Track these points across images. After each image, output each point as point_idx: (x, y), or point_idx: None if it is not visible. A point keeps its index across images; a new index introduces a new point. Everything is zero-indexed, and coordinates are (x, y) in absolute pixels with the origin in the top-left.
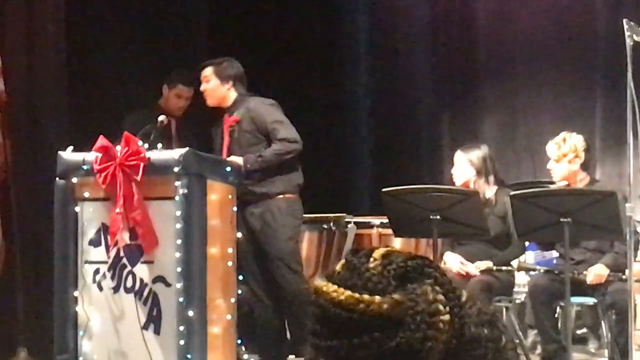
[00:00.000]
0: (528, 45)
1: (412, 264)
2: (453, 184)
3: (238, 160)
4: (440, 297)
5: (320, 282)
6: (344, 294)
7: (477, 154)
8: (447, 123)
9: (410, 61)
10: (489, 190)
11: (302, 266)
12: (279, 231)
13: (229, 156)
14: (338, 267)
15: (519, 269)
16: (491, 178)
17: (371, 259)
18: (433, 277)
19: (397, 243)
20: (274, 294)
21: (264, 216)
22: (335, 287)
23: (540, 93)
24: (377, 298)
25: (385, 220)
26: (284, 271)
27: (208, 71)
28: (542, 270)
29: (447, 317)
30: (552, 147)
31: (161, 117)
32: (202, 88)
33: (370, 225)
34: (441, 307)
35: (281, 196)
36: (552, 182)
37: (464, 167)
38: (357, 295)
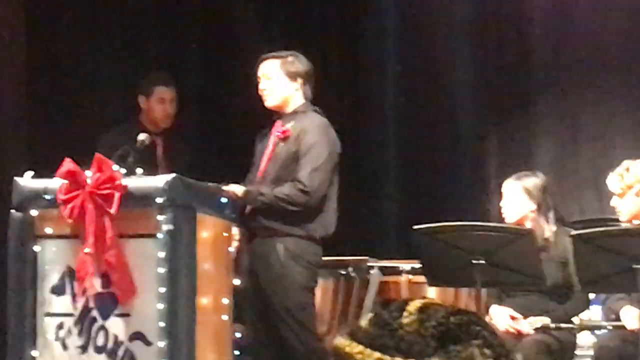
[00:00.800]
0: (594, 49)
1: (456, 320)
2: (502, 220)
3: (237, 189)
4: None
5: (341, 341)
6: (371, 356)
7: (536, 182)
8: (494, 146)
9: (448, 70)
10: (547, 230)
11: (315, 323)
12: (290, 277)
13: (266, 169)
14: (363, 322)
15: (582, 327)
16: (551, 214)
17: (405, 313)
18: (481, 336)
19: (432, 294)
20: (281, 355)
21: (270, 257)
22: (362, 347)
23: (608, 110)
24: None
25: (417, 265)
26: (293, 328)
27: (271, 65)
28: (610, 328)
29: None
30: (614, 180)
31: (142, 136)
32: (261, 87)
33: (398, 271)
34: None
35: (298, 237)
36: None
37: (520, 200)
38: (388, 358)
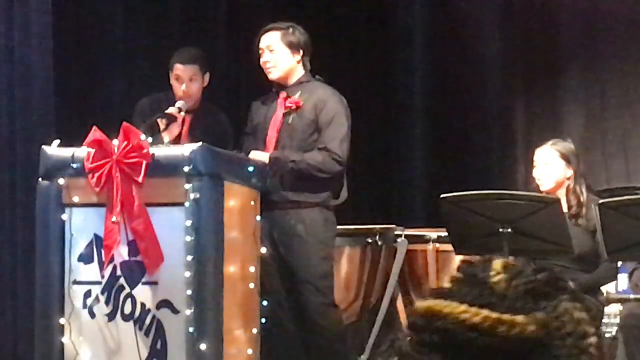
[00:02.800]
0: (624, 18)
1: (543, 277)
2: (537, 189)
3: (263, 157)
4: (585, 315)
5: (437, 303)
6: (479, 314)
7: (572, 149)
8: (521, 115)
9: (476, 38)
10: (582, 198)
11: (333, 292)
12: (313, 248)
13: (277, 142)
14: (448, 282)
15: (609, 301)
16: (583, 182)
17: (492, 272)
18: (570, 291)
19: (458, 262)
20: (301, 324)
21: (295, 229)
22: (465, 306)
23: (637, 78)
24: (520, 318)
25: (444, 234)
26: (314, 298)
27: (273, 38)
28: (632, 299)
29: (595, 339)
30: None
31: (179, 103)
32: (264, 59)
33: (425, 240)
34: (588, 328)
35: (318, 208)
36: None
37: (557, 166)
38: (495, 315)
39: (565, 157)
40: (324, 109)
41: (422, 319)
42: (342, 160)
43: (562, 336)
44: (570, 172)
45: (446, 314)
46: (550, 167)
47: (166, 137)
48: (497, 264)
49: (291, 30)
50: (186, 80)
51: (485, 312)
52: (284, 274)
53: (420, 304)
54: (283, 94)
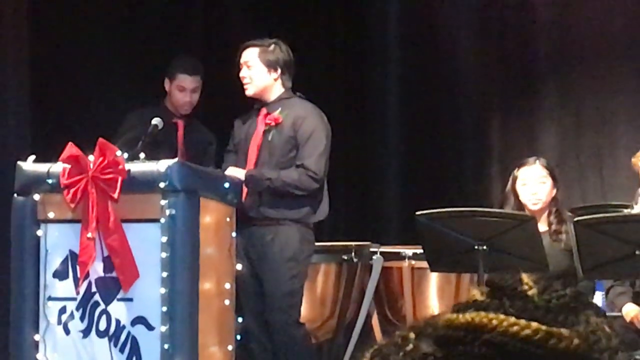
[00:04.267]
0: (599, 36)
1: (570, 292)
2: (522, 208)
3: (239, 174)
4: (610, 330)
5: (481, 315)
6: (530, 327)
7: (552, 165)
8: (496, 133)
9: (451, 56)
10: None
11: (300, 312)
12: (283, 266)
13: (257, 159)
14: (477, 294)
15: None
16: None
17: (524, 285)
18: (593, 306)
19: (433, 279)
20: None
21: (269, 245)
22: (513, 319)
23: (612, 95)
24: (565, 331)
25: (419, 251)
26: (278, 315)
27: (251, 54)
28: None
29: (622, 354)
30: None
31: (155, 121)
32: (242, 74)
33: (400, 257)
34: (616, 342)
35: (295, 225)
36: (626, 206)
37: (550, 184)
38: (544, 327)
39: (553, 176)
40: (302, 125)
41: (461, 331)
42: (318, 177)
43: (600, 349)
44: (555, 190)
45: (495, 326)
46: (546, 186)
47: (152, 151)
48: (525, 277)
49: (271, 47)
50: (190, 91)
51: (535, 325)
52: (259, 291)
53: (454, 317)
54: (263, 111)
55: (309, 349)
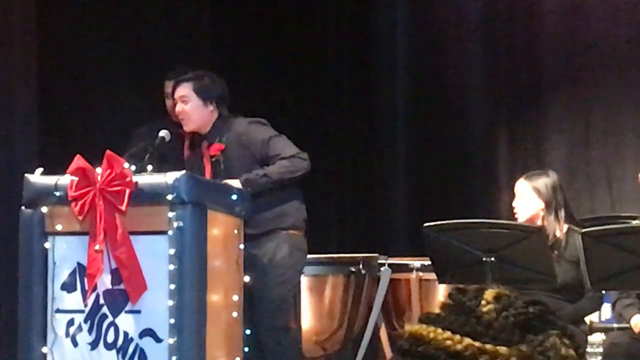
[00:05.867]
0: (607, 47)
1: (535, 310)
2: (514, 220)
3: (235, 184)
4: (571, 352)
5: (422, 327)
6: (462, 342)
7: (546, 182)
8: (505, 144)
9: (459, 67)
10: (558, 229)
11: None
12: (272, 272)
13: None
14: (438, 309)
15: (592, 330)
16: (562, 213)
17: (483, 302)
18: (560, 326)
19: (441, 291)
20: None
21: (259, 253)
22: (449, 333)
23: (620, 107)
24: (503, 349)
25: (427, 262)
26: (266, 320)
27: (185, 89)
28: (616, 328)
29: None
30: None
31: (162, 133)
32: (177, 110)
33: (408, 269)
34: None
35: (286, 233)
36: (635, 217)
37: (530, 199)
38: (478, 344)
39: (536, 190)
40: (250, 140)
41: (407, 342)
42: (303, 156)
43: None
44: (542, 204)
45: (430, 339)
46: (523, 200)
47: (159, 163)
48: (489, 293)
49: (205, 80)
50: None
51: (468, 340)
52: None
53: (407, 328)
54: (205, 144)
55: (298, 354)
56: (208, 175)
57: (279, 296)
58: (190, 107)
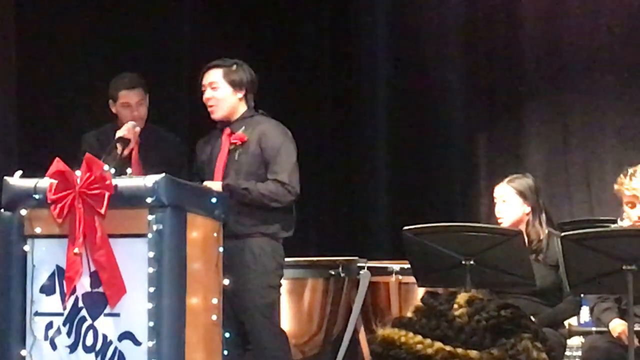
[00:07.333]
0: (586, 51)
1: (507, 314)
2: (497, 224)
3: (215, 186)
4: (544, 356)
5: (393, 331)
6: (432, 346)
7: (529, 184)
8: (484, 148)
9: (439, 71)
10: (542, 232)
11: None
12: (260, 277)
13: (226, 175)
14: (411, 312)
15: (571, 333)
16: (543, 216)
17: (455, 305)
18: (532, 330)
19: (421, 294)
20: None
21: (243, 258)
22: (420, 337)
23: (599, 110)
24: (473, 353)
25: (407, 266)
26: (262, 325)
27: (216, 75)
28: (594, 331)
29: None
30: (623, 186)
31: (130, 124)
32: (206, 96)
33: (387, 272)
34: None
35: (267, 238)
36: (613, 221)
37: (514, 202)
38: (449, 348)
39: (522, 194)
40: (268, 142)
41: (379, 346)
42: (293, 190)
43: None
44: (527, 208)
45: (401, 344)
46: (507, 204)
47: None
48: (461, 297)
49: (234, 67)
50: (135, 105)
51: (438, 344)
52: (232, 303)
53: (379, 332)
54: (227, 130)
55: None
56: (222, 160)
57: (272, 301)
58: (219, 93)
